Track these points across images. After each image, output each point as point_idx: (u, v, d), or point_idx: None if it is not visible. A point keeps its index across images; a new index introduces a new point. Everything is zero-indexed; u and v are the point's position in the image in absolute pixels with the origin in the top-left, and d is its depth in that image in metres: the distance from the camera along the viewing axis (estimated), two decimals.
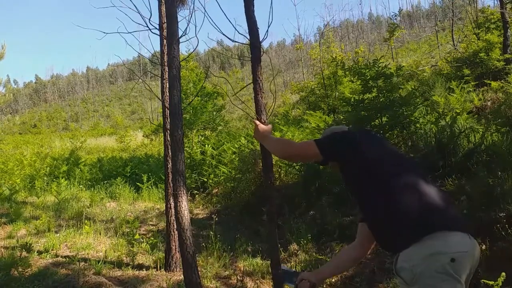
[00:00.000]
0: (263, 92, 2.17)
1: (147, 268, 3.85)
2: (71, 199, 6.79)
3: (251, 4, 2.24)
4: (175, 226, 3.50)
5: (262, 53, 2.21)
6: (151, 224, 5.81)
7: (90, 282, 3.31)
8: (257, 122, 2.05)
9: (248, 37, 2.22)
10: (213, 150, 8.08)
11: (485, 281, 2.15)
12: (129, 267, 3.88)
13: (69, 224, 5.16)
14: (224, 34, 2.39)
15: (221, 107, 12.16)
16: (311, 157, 1.78)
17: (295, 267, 3.52)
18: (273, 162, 2.25)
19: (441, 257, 1.33)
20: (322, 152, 1.67)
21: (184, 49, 10.71)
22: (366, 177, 1.59)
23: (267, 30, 2.32)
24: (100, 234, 4.89)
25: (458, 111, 6.44)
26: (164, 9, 3.26)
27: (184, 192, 2.35)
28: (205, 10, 2.68)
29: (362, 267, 3.37)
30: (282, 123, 9.42)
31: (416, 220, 1.40)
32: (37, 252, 4.14)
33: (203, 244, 4.29)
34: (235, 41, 2.45)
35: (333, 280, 3.31)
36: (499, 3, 10.72)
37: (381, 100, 5.44)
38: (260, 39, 2.22)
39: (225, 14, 2.38)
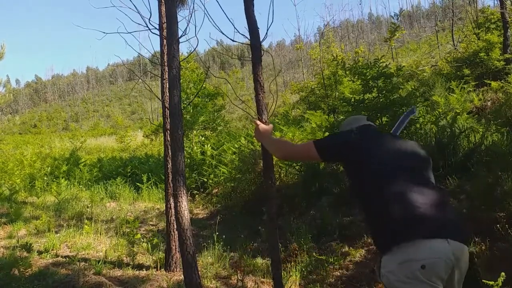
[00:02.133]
0: (264, 92, 2.18)
1: (147, 268, 3.85)
2: (71, 199, 6.80)
3: (251, 4, 2.24)
4: (175, 226, 3.49)
5: (262, 53, 2.21)
6: (151, 224, 5.81)
7: (90, 282, 3.31)
8: (258, 122, 2.06)
9: (248, 37, 2.21)
10: (213, 150, 8.08)
11: (485, 281, 2.14)
12: (129, 267, 3.87)
13: (69, 224, 5.16)
14: (224, 34, 2.38)
15: (221, 107, 12.16)
16: (310, 159, 1.83)
17: (295, 267, 3.52)
18: (274, 162, 2.25)
19: (411, 264, 1.38)
20: (320, 154, 1.71)
21: (184, 49, 10.71)
22: (361, 180, 1.63)
23: (267, 31, 2.32)
24: (100, 234, 4.90)
25: (458, 111, 6.43)
26: (164, 9, 3.25)
27: (184, 192, 2.34)
28: (205, 9, 2.67)
29: (362, 267, 3.37)
30: (282, 123, 9.42)
31: (396, 228, 1.46)
32: (37, 252, 4.14)
33: (203, 244, 4.29)
34: (235, 41, 2.44)
35: (333, 280, 3.31)
36: (499, 3, 10.73)
37: (381, 100, 5.44)
38: (260, 39, 2.22)
39: (225, 14, 2.38)
